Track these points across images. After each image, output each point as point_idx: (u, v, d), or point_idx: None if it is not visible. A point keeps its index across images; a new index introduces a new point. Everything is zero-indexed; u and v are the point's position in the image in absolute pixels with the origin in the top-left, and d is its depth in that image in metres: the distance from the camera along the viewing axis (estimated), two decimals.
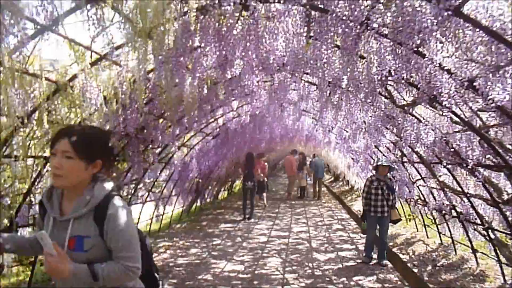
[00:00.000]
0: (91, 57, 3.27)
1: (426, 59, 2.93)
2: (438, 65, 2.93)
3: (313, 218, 11.07)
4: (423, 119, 4.28)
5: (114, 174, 6.09)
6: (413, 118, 4.47)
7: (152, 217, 8.50)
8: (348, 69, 3.98)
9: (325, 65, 4.30)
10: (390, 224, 6.44)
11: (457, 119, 3.74)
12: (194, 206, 12.10)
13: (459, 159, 4.27)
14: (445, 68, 3.01)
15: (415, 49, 2.88)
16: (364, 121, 6.33)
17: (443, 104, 3.24)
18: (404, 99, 4.47)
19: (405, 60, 3.18)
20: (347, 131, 8.56)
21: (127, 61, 3.50)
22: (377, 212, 6.22)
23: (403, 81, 3.50)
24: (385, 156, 7.80)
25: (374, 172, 6.69)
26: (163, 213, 8.98)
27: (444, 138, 4.16)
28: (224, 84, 5.25)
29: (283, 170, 39.75)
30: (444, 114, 3.72)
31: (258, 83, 5.65)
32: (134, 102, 4.27)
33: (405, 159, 6.81)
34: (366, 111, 5.09)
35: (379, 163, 6.19)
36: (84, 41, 3.25)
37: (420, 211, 7.59)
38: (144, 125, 5.33)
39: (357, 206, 13.43)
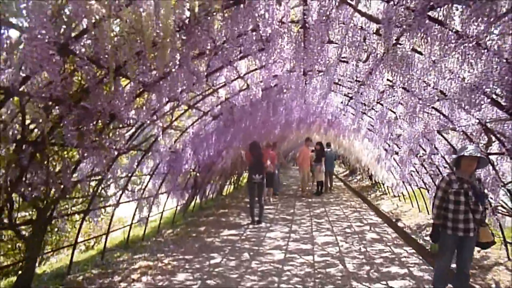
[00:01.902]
0: None
1: None
2: None
3: (338, 222, 8.92)
4: None
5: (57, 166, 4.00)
6: None
7: (132, 222, 6.43)
8: None
9: None
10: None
11: None
12: (193, 204, 10.02)
13: None
14: None
15: None
16: (446, 88, 4.12)
17: None
18: None
19: None
20: (393, 112, 6.36)
21: None
22: (457, 229, 4.03)
23: None
24: (450, 144, 5.59)
25: (453, 168, 4.41)
26: (148, 216, 6.90)
27: None
28: (223, 13, 3.08)
29: (292, 162, 37.57)
30: None
31: (282, 20, 3.48)
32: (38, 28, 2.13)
33: (493, 148, 4.62)
34: (475, 62, 2.87)
35: (463, 153, 3.94)
36: None
37: (500, 224, 5.41)
38: (89, 86, 3.19)
39: (386, 206, 11.27)
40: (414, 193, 9.92)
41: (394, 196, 12.58)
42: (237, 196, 13.68)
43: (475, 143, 4.57)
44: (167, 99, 4.48)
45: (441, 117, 4.94)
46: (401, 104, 5.57)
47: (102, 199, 5.42)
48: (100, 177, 4.83)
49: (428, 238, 7.23)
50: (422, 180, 8.44)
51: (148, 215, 6.90)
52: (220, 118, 6.85)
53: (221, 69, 4.61)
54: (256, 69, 5.23)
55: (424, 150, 6.84)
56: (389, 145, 8.94)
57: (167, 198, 7.69)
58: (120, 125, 4.34)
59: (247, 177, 8.69)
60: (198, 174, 8.76)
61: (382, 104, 6.29)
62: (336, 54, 4.73)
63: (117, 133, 4.29)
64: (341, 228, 8.25)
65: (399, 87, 4.63)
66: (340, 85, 6.36)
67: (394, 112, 6.28)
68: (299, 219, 9.18)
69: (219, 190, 13.34)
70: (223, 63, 4.32)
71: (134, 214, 6.30)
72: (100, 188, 5.06)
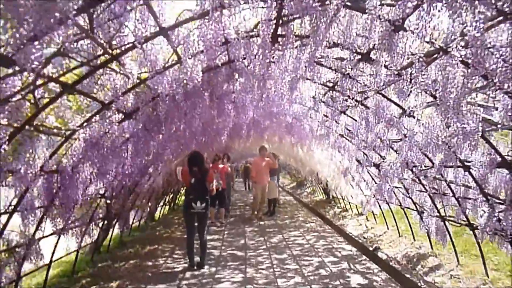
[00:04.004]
0: None
1: None
2: None
3: (305, 258, 6.75)
4: None
5: None
6: None
7: None
8: None
9: None
10: None
11: None
12: (109, 239, 7.31)
13: None
14: None
15: None
16: None
17: None
18: None
19: None
20: (399, 106, 4.35)
21: None
22: None
23: None
24: (498, 152, 3.69)
25: None
26: (18, 275, 4.21)
27: None
28: None
29: (235, 174, 35.30)
30: None
31: None
32: None
33: None
34: None
35: None
36: None
37: None
38: None
39: (353, 228, 9.39)
40: (392, 212, 8.09)
41: (360, 214, 10.78)
42: (173, 221, 11.07)
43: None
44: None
45: (509, 107, 2.95)
46: (424, 93, 3.52)
47: None
48: None
49: (429, 278, 5.36)
50: (411, 198, 6.60)
51: (19, 275, 4.21)
52: (138, 117, 4.37)
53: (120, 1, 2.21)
54: (193, 19, 2.88)
55: (431, 160, 4.92)
56: (366, 155, 7.00)
57: (57, 241, 5.02)
58: None
59: (183, 204, 6.19)
60: (112, 201, 6.15)
61: (383, 95, 4.24)
62: None
63: None
64: (312, 269, 6.07)
65: (457, 50, 2.55)
66: (322, 65, 4.22)
67: (400, 107, 4.26)
68: (254, 256, 6.87)
69: (150, 215, 10.66)
70: None
71: None
72: None
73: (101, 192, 5.69)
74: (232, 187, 14.61)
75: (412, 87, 3.51)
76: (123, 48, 2.83)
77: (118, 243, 7.68)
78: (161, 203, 12.13)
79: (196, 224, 5.93)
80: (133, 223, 8.85)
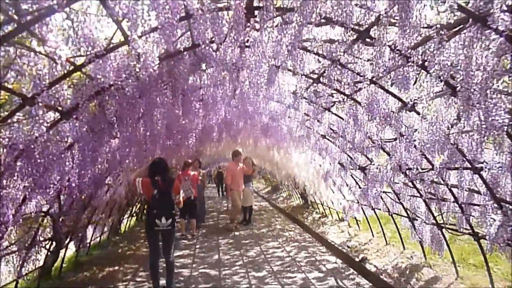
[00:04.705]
0: None
1: None
2: None
3: (287, 275, 6.01)
4: None
5: None
6: None
7: None
8: None
9: None
10: None
11: None
12: (62, 261, 6.31)
13: None
14: None
15: None
16: None
17: None
18: None
19: None
20: (398, 98, 3.68)
21: None
22: None
23: None
24: None
25: None
26: None
27: None
28: None
29: (208, 180, 34.30)
30: None
31: None
32: None
33: None
34: None
35: None
36: None
37: None
38: None
39: (335, 235, 8.75)
40: (377, 218, 7.48)
41: (341, 220, 10.16)
42: (139, 235, 10.07)
43: None
44: None
45: None
46: (434, 80, 2.85)
47: None
48: None
49: None
50: (401, 203, 6.00)
51: None
52: (81, 117, 3.49)
53: None
54: None
55: (430, 162, 4.29)
56: (350, 157, 6.35)
57: None
58: None
59: (145, 221, 5.28)
60: (59, 218, 5.20)
61: (380, 85, 3.55)
62: None
63: None
64: None
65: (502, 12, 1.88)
66: (307, 50, 3.49)
67: (400, 99, 3.59)
68: (229, 274, 6.05)
69: (113, 229, 9.62)
70: None
71: None
72: None
73: (45, 209, 4.77)
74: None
75: (420, 72, 2.84)
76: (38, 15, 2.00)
77: (72, 265, 6.68)
78: (127, 215, 11.11)
79: (161, 243, 5.07)
80: (92, 240, 7.85)
